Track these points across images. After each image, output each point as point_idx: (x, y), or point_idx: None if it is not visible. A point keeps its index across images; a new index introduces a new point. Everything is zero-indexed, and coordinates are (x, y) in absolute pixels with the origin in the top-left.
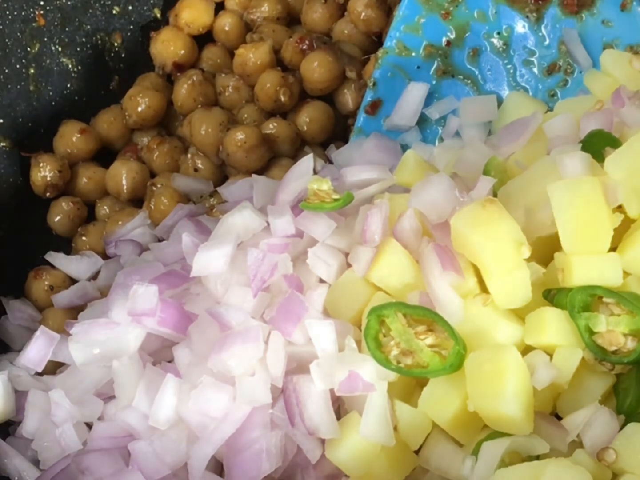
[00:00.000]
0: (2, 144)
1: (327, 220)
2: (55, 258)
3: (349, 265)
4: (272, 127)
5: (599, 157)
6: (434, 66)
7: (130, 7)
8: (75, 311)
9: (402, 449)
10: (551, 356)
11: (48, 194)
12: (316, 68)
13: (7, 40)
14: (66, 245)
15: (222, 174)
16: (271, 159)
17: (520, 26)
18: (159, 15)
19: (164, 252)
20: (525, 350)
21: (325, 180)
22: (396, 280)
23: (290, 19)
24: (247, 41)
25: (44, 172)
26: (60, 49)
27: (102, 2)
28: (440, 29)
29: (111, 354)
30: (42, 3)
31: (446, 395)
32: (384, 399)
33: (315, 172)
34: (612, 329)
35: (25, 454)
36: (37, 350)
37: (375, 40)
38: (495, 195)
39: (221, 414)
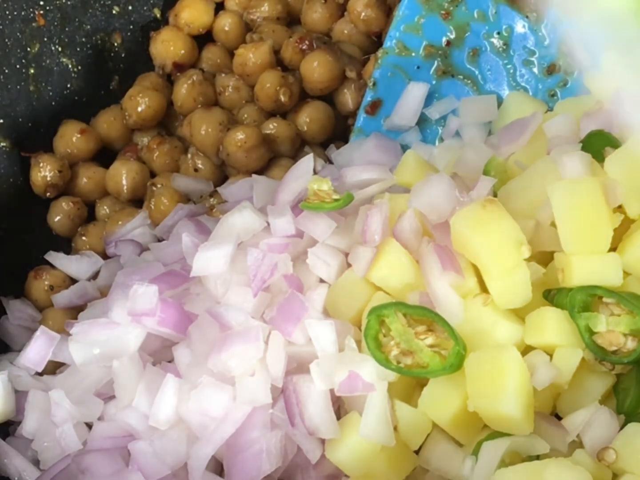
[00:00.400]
0: (2, 144)
1: (327, 220)
2: (55, 258)
3: (349, 265)
4: (272, 127)
5: (599, 157)
6: (434, 66)
7: (130, 7)
8: (75, 311)
9: (402, 448)
10: (551, 356)
11: (48, 194)
12: (316, 68)
13: (7, 40)
14: (66, 245)
15: (222, 174)
16: (271, 159)
17: (520, 26)
18: (158, 15)
19: (164, 252)
20: (525, 350)
21: (326, 180)
22: (396, 281)
23: (290, 19)
24: (247, 41)
25: (44, 172)
26: (60, 49)
27: (102, 2)
28: (440, 29)
29: (111, 353)
30: (42, 3)
31: (446, 395)
32: (384, 398)
33: (315, 172)
34: (612, 329)
35: (25, 454)
36: (37, 350)
37: (375, 40)
38: (495, 195)
39: (221, 414)
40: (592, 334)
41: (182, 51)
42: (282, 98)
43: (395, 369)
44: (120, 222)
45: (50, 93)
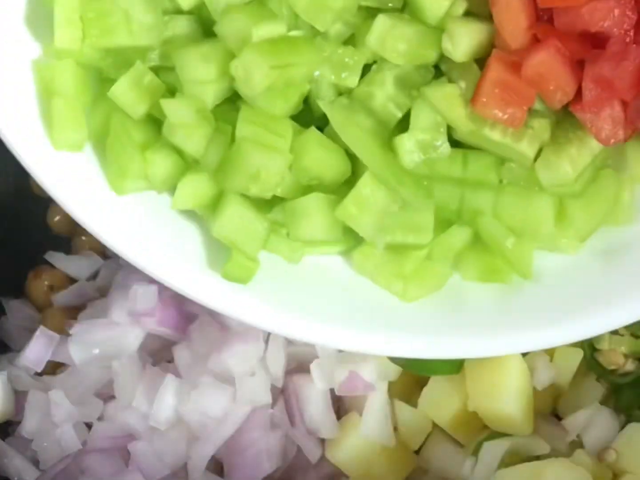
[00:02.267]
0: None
1: None
2: (55, 258)
3: None
4: None
5: None
6: None
7: None
8: (75, 311)
9: (402, 448)
10: (552, 356)
11: (48, 194)
12: None
13: None
14: (66, 245)
15: None
16: None
17: None
18: None
19: None
20: None
21: None
22: None
23: None
24: None
25: None
26: None
27: None
28: None
29: (111, 353)
30: None
31: (446, 395)
32: (384, 398)
33: None
34: (614, 347)
35: (25, 454)
36: (37, 350)
37: None
38: None
39: (221, 414)
40: (594, 351)
41: None
42: None
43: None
44: None
45: None
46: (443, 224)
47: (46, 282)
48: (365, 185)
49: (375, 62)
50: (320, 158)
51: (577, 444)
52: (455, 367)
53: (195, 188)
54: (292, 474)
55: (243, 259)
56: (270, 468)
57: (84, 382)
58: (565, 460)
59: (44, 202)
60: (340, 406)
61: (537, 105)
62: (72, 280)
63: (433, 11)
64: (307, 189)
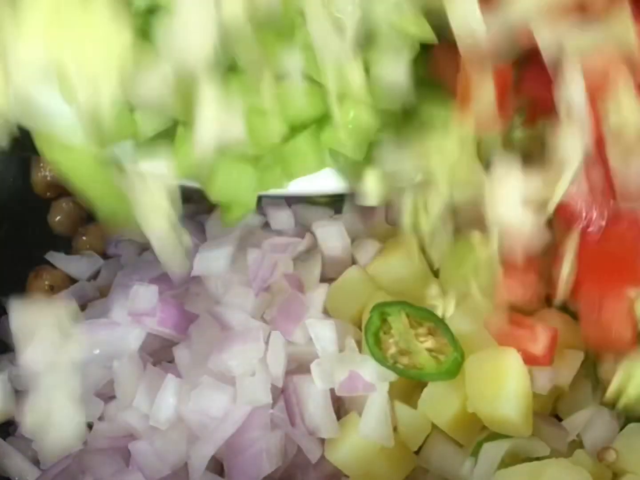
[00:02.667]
0: (2, 144)
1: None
2: (56, 258)
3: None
4: None
5: None
6: None
7: None
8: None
9: (401, 449)
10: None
11: (48, 194)
12: None
13: None
14: (66, 245)
15: None
16: None
17: None
18: None
19: None
20: None
21: None
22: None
23: None
24: None
25: (44, 172)
26: None
27: None
28: None
29: (111, 353)
30: None
31: (446, 396)
32: (384, 399)
33: None
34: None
35: (26, 454)
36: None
37: None
38: None
39: (221, 414)
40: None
41: None
42: None
43: (391, 367)
44: None
45: None
46: None
47: (47, 282)
48: (348, 110)
49: None
50: (303, 105)
51: (577, 444)
52: (453, 371)
53: (186, 160)
54: (292, 474)
55: (241, 207)
56: (270, 468)
57: (84, 382)
58: (565, 461)
59: (44, 202)
60: (340, 406)
61: None
62: (73, 280)
63: None
64: (287, 127)
